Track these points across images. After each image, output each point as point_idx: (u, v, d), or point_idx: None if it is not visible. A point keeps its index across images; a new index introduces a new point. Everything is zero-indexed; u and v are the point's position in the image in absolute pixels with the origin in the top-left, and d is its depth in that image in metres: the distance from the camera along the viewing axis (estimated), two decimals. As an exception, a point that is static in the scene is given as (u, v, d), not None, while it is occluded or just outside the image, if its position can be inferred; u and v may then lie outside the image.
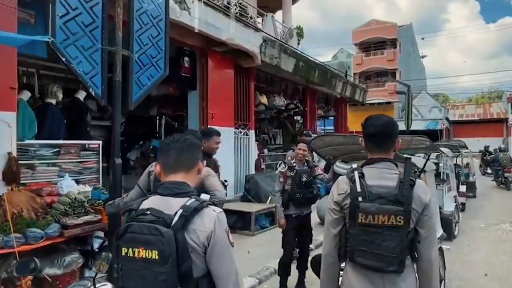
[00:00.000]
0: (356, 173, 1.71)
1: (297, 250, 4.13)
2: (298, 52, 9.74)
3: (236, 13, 11.00)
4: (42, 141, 5.07)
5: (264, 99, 9.43)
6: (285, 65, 8.66)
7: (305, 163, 3.93)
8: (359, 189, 1.67)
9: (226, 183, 4.00)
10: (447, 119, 28.59)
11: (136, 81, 3.51)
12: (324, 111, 13.05)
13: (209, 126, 7.45)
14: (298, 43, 14.95)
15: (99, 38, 3.20)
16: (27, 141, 4.90)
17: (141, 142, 8.32)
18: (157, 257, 1.26)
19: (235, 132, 8.26)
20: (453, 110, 34.20)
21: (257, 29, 7.84)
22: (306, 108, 11.32)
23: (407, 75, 32.65)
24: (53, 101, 5.82)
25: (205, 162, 2.92)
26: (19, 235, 3.55)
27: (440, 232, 3.89)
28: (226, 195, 3.90)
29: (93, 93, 3.16)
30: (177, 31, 6.57)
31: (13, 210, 4.03)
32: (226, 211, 5.36)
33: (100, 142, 6.06)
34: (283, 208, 4.02)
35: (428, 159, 2.81)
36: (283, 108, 10.41)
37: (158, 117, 8.47)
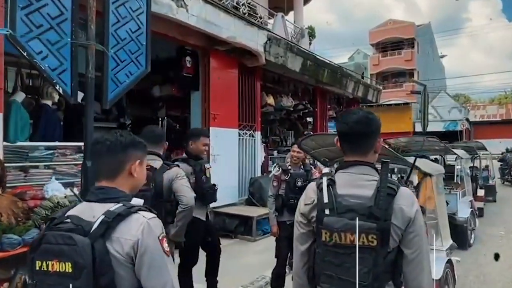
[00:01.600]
0: (324, 180, 1.37)
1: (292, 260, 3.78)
2: (306, 51, 9.34)
3: (245, 13, 10.74)
4: (36, 143, 4.92)
5: (271, 100, 9.09)
6: (291, 64, 8.30)
7: (301, 166, 3.61)
8: (326, 200, 1.34)
9: (215, 187, 3.69)
10: (467, 120, 27.48)
11: (113, 78, 3.24)
12: (336, 112, 12.58)
13: (211, 127, 7.18)
14: (310, 43, 14.52)
15: (68, 31, 2.94)
16: (19, 143, 4.74)
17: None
18: (70, 270, 1.12)
19: (239, 134, 7.95)
20: (473, 111, 32.86)
21: (260, 27, 7.51)
22: (316, 109, 10.90)
23: (425, 75, 31.63)
24: (49, 102, 5.66)
25: (159, 162, 2.61)
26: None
27: (449, 242, 3.45)
28: (208, 200, 3.61)
29: (60, 91, 2.90)
30: (177, 30, 6.33)
31: (-7, 215, 3.85)
32: (228, 215, 5.02)
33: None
34: (276, 214, 3.69)
35: (415, 161, 2.41)
36: (292, 109, 10.03)
37: (160, 119, 8.25)
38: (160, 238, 1.25)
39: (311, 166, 3.85)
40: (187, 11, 5.93)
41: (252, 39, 7.21)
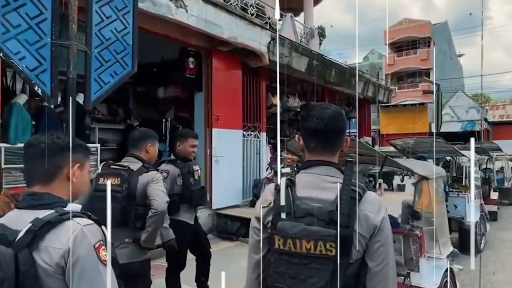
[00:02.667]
0: (283, 180, 1.22)
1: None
2: (312, 51, 9.15)
3: (253, 14, 10.61)
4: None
5: (276, 100, 8.91)
6: (297, 64, 8.13)
7: (295, 168, 3.45)
8: (282, 202, 1.19)
9: (204, 190, 3.57)
10: (485, 120, 26.58)
11: (96, 79, 3.16)
12: (346, 112, 12.32)
13: (213, 129, 7.08)
14: (320, 43, 14.30)
15: (48, 31, 2.87)
16: (19, 145, 4.76)
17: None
18: None
19: (243, 135, 7.82)
20: (492, 111, 31.77)
21: (264, 27, 7.37)
22: (324, 110, 10.66)
23: (442, 74, 30.80)
24: (51, 104, 5.66)
25: (137, 165, 2.49)
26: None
27: (449, 249, 3.23)
28: (196, 203, 3.49)
29: (39, 91, 2.83)
30: (179, 31, 6.25)
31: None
32: (229, 217, 4.88)
33: (98, 145, 5.86)
34: None
35: (382, 166, 2.21)
36: (299, 109, 9.84)
37: (164, 120, 8.21)
38: (96, 246, 1.16)
39: None
40: (186, 12, 5.84)
41: (254, 39, 7.08)
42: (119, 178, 2.41)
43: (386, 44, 33.70)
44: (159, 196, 2.31)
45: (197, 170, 3.52)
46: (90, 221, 1.19)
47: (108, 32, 3.24)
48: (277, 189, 1.23)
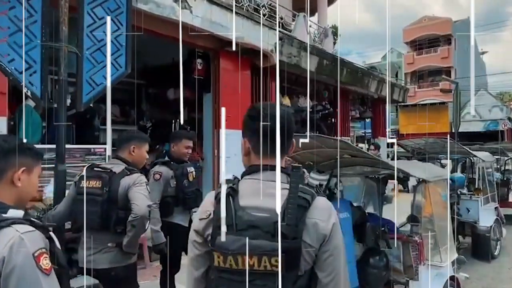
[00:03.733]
0: (223, 188, 1.10)
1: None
2: (323, 50, 8.95)
3: (265, 15, 10.50)
4: (45, 146, 4.99)
5: (286, 101, 8.77)
6: (306, 64, 7.95)
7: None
8: (223, 213, 1.06)
9: (200, 192, 3.49)
10: (509, 119, 25.49)
11: (88, 80, 3.12)
12: (360, 112, 12.01)
13: (221, 129, 7.00)
14: (335, 43, 14.03)
15: (38, 33, 2.85)
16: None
17: (157, 146, 8.11)
18: None
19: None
20: (517, 109, 30.48)
21: (271, 27, 7.25)
22: (336, 110, 10.42)
23: (464, 73, 29.76)
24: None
25: (121, 167, 2.41)
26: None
27: (453, 256, 3.02)
28: (190, 205, 3.40)
29: (29, 93, 2.81)
30: (185, 32, 6.21)
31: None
32: None
33: (108, 146, 5.88)
34: None
35: (331, 175, 2.05)
36: (310, 110, 9.65)
37: (173, 121, 8.21)
38: (35, 254, 1.09)
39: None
40: (191, 12, 5.79)
41: (262, 39, 6.96)
42: (101, 181, 2.34)
43: (406, 43, 32.91)
44: (139, 200, 2.23)
45: (192, 172, 3.43)
46: (31, 228, 1.13)
47: (101, 34, 3.21)
48: (218, 198, 1.11)
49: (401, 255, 2.79)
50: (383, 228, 2.72)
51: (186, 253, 3.65)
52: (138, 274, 2.63)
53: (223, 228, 1.03)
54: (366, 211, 3.23)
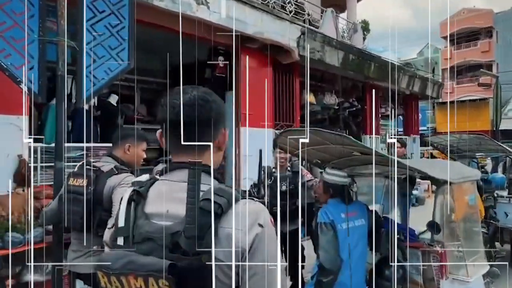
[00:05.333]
0: (126, 193, 0.90)
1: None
2: (350, 45, 8.49)
3: (291, 11, 10.17)
4: (68, 144, 5.03)
5: (311, 98, 8.39)
6: (330, 59, 7.55)
7: (288, 168, 3.05)
8: (121, 223, 0.87)
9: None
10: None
11: (88, 75, 2.99)
12: (391, 110, 11.35)
13: (242, 127, 6.79)
14: (364, 38, 13.43)
15: (35, 28, 2.75)
16: (53, 144, 4.91)
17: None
18: None
19: (275, 134, 7.44)
20: None
21: (292, 21, 6.92)
22: (365, 107, 9.89)
23: (506, 67, 27.69)
24: (86, 106, 5.75)
25: (110, 166, 2.23)
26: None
27: (483, 269, 2.59)
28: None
29: (25, 89, 2.71)
30: (205, 29, 6.05)
31: (2, 212, 3.91)
32: None
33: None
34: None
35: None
36: (337, 107, 9.21)
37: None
38: None
39: (301, 167, 3.27)
40: (208, 8, 5.60)
41: (282, 34, 6.66)
42: (86, 180, 2.18)
43: (445, 37, 31.15)
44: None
45: (197, 170, 3.22)
46: None
47: (101, 28, 3.07)
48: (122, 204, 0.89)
49: (420, 266, 2.42)
50: (398, 236, 2.36)
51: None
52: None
53: (120, 241, 0.83)
54: (384, 215, 2.87)
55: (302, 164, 3.28)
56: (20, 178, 4.44)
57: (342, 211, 2.21)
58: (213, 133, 0.94)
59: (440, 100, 17.35)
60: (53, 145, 4.77)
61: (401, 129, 13.61)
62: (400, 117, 12.31)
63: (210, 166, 0.92)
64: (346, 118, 11.09)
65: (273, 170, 3.14)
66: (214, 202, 0.81)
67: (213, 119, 0.93)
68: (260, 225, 0.84)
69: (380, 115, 10.64)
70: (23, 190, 4.29)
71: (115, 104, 6.50)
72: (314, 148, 2.48)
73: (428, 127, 25.61)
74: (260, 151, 2.20)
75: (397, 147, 4.92)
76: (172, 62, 8.28)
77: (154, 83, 8.38)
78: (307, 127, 2.83)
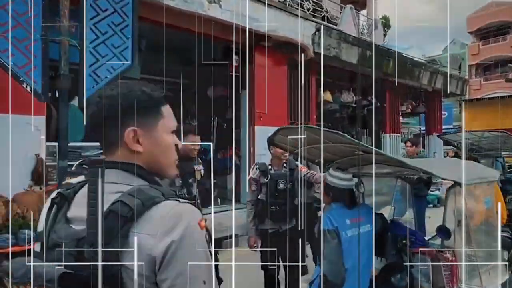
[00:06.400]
0: (50, 197, 0.84)
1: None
2: (366, 40, 8.20)
3: (309, 9, 9.97)
4: (85, 143, 5.10)
5: (327, 95, 8.17)
6: (347, 56, 7.31)
7: (284, 165, 2.93)
8: (40, 227, 0.83)
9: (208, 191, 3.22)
10: None
11: (91, 74, 2.96)
12: (413, 107, 10.92)
13: (256, 126, 6.70)
14: (385, 34, 13.01)
15: (38, 27, 2.74)
16: (72, 143, 5.01)
17: (198, 144, 8.02)
18: None
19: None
20: None
21: (306, 18, 6.74)
22: (385, 104, 9.54)
23: (539, 62, 26.20)
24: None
25: None
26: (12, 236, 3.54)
27: (501, 278, 2.36)
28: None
29: (28, 89, 2.71)
30: (219, 28, 5.98)
31: (18, 210, 3.98)
32: None
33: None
34: (254, 223, 3.13)
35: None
36: (354, 105, 8.93)
37: (212, 119, 8.07)
38: None
39: (297, 164, 3.13)
40: (220, 7, 5.53)
41: (296, 31, 6.49)
42: (80, 179, 2.13)
43: (470, 33, 29.86)
44: None
45: (200, 170, 3.14)
46: None
47: (104, 26, 3.03)
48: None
49: (430, 274, 2.22)
50: (404, 241, 2.18)
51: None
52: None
53: (37, 247, 0.76)
54: (394, 218, 2.69)
55: (302, 164, 3.14)
56: (37, 176, 4.52)
57: (347, 217, 2.04)
58: (117, 131, 0.83)
59: (468, 97, 16.60)
60: (72, 144, 4.84)
61: (424, 128, 13.10)
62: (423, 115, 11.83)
63: (140, 166, 0.83)
64: (365, 116, 10.78)
65: (269, 167, 3.02)
66: (125, 204, 0.71)
67: (112, 117, 0.82)
68: (182, 231, 0.72)
69: (400, 113, 10.25)
70: (40, 188, 4.37)
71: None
72: (314, 147, 2.33)
73: (454, 126, 24.60)
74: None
75: (408, 146, 4.66)
76: (189, 62, 8.28)
77: (172, 83, 8.43)
78: (301, 124, 2.69)
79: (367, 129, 12.01)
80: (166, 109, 0.92)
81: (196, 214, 0.76)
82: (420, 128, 13.80)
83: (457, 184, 2.06)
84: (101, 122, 0.82)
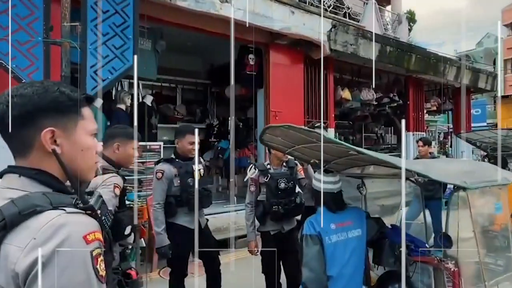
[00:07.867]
0: None
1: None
2: (386, 35, 7.85)
3: (330, 6, 9.69)
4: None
5: (346, 93, 7.89)
6: (365, 52, 7.00)
7: (283, 164, 2.80)
8: None
9: (207, 191, 3.14)
10: None
11: (92, 75, 2.97)
12: (439, 104, 10.35)
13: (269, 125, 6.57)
14: (410, 29, 12.43)
15: (40, 30, 2.77)
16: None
17: (215, 143, 7.99)
18: None
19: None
20: None
21: (322, 14, 6.51)
22: (408, 102, 9.09)
23: None
24: (123, 107, 5.90)
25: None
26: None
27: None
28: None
29: (29, 90, 2.73)
30: (234, 27, 5.89)
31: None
32: None
33: (161, 143, 5.94)
34: (254, 226, 3.01)
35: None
36: (375, 102, 8.57)
37: (228, 118, 8.00)
38: None
39: (296, 162, 2.97)
40: (232, 6, 5.43)
41: (312, 28, 6.29)
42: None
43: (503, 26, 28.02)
44: (107, 202, 1.92)
45: (199, 170, 3.06)
46: None
47: (105, 27, 3.03)
48: None
49: (432, 284, 2.03)
50: (400, 249, 1.99)
51: (193, 257, 3.28)
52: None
53: None
54: (394, 224, 2.49)
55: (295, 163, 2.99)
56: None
57: (332, 221, 1.89)
58: (33, 132, 0.75)
59: (503, 94, 15.60)
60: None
61: (451, 126, 12.41)
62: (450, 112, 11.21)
63: (40, 170, 0.75)
64: (389, 114, 10.33)
65: (268, 166, 2.89)
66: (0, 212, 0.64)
67: (33, 113, 0.75)
68: (55, 245, 0.62)
69: (425, 111, 9.74)
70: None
71: (150, 104, 6.63)
72: (306, 147, 2.19)
73: (488, 123, 23.23)
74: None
75: (420, 146, 4.36)
76: (212, 63, 8.26)
77: (192, 84, 8.45)
78: (318, 122, 2.53)
79: (391, 127, 11.53)
80: (87, 111, 0.84)
81: (83, 227, 0.66)
82: (448, 126, 13.10)
83: (460, 188, 1.86)
84: (9, 122, 0.75)
